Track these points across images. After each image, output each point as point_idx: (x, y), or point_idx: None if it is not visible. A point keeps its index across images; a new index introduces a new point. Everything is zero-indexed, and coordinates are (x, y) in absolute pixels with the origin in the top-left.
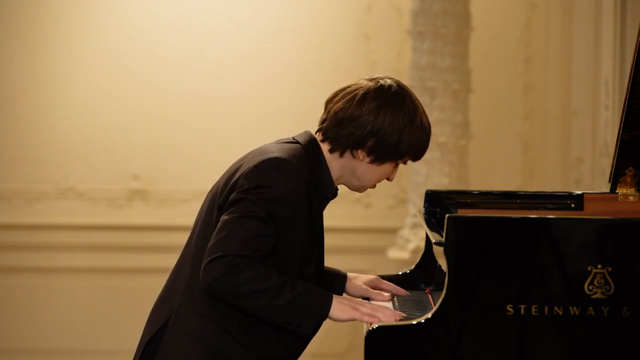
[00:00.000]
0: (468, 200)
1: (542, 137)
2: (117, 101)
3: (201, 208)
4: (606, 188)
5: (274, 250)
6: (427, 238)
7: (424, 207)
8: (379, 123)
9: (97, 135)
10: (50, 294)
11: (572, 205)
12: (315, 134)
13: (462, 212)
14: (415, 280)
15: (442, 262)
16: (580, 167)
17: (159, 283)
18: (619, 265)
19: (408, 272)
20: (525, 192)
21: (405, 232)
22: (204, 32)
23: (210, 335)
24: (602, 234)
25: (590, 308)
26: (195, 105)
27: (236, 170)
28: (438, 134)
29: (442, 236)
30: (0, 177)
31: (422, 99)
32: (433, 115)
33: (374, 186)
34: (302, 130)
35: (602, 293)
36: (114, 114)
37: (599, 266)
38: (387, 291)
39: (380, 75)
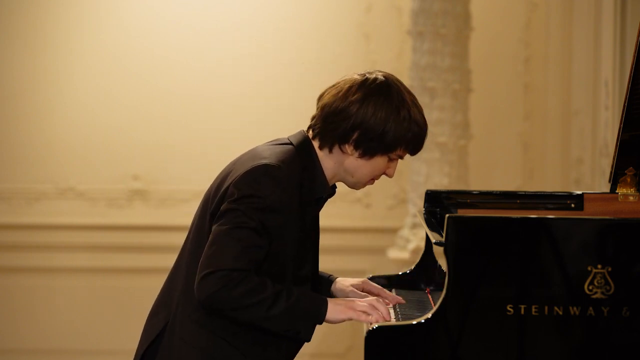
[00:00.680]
0: (468, 200)
1: (542, 137)
2: (117, 101)
3: (196, 212)
4: (606, 188)
5: (268, 257)
6: (427, 238)
7: (424, 207)
8: (361, 115)
9: (97, 135)
10: (50, 294)
11: (572, 205)
12: (307, 132)
13: (462, 212)
14: (415, 280)
15: (442, 262)
16: (580, 167)
17: (158, 283)
18: (619, 265)
19: (408, 272)
20: (525, 192)
21: (405, 232)
22: (204, 32)
23: (206, 343)
24: (602, 234)
25: (590, 308)
26: (195, 105)
27: (227, 176)
28: (438, 134)
29: (442, 236)
30: (0, 177)
31: (422, 99)
32: (433, 115)
33: (372, 182)
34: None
35: (602, 293)
36: (114, 114)
37: (599, 266)
38: (374, 294)
39: (372, 70)
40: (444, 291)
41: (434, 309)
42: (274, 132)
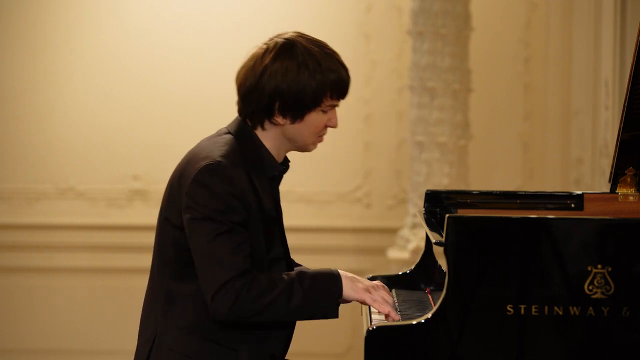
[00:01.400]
0: (468, 200)
1: (542, 137)
2: (117, 101)
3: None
4: (606, 188)
5: None
6: (427, 238)
7: (424, 207)
8: (272, 83)
9: (97, 135)
10: (50, 294)
11: (572, 205)
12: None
13: (462, 212)
14: (415, 280)
15: (442, 262)
16: (580, 167)
17: None
18: (619, 265)
19: (408, 272)
20: (525, 192)
21: (405, 232)
22: (204, 32)
23: (197, 348)
24: (602, 234)
25: (590, 308)
26: (195, 105)
27: (178, 181)
28: (438, 134)
29: (442, 236)
30: (0, 177)
31: (422, 99)
32: (433, 115)
33: (320, 138)
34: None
35: (602, 293)
36: (114, 114)
37: (599, 266)
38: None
39: (275, 35)
40: (444, 291)
41: (434, 309)
42: None
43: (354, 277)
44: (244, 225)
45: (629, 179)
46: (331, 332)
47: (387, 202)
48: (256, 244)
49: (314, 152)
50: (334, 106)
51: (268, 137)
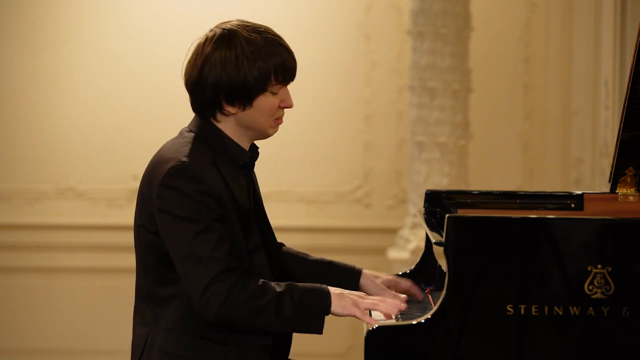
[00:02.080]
0: (468, 200)
1: (542, 137)
2: (117, 101)
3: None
4: (606, 188)
5: None
6: (427, 238)
7: (424, 207)
8: (214, 76)
9: (97, 135)
10: (50, 294)
11: (572, 205)
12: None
13: (462, 212)
14: (415, 280)
15: (442, 262)
16: (580, 167)
17: None
18: (619, 265)
19: (408, 272)
20: (525, 192)
21: (405, 232)
22: (204, 32)
23: (188, 348)
24: (602, 234)
25: (590, 308)
26: None
27: (148, 186)
28: (438, 134)
29: (442, 236)
30: (0, 177)
31: (422, 99)
32: (433, 115)
33: (278, 120)
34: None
35: (602, 293)
36: (114, 114)
37: (599, 266)
38: (404, 290)
39: (215, 26)
40: (444, 291)
41: (434, 309)
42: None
43: (341, 293)
44: (220, 221)
45: (629, 179)
46: (331, 332)
47: (387, 202)
48: (234, 236)
49: (314, 152)
50: (283, 85)
51: (226, 127)
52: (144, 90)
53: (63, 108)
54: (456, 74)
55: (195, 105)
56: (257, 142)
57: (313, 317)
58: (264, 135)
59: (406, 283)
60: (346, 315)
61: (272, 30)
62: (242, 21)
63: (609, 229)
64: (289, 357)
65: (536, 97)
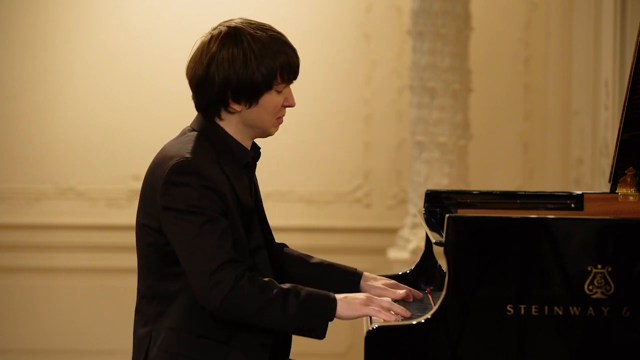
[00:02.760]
0: (468, 200)
1: (542, 137)
2: (117, 101)
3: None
4: (606, 188)
5: None
6: (427, 238)
7: (424, 207)
8: (221, 72)
9: (97, 135)
10: (50, 294)
11: (572, 205)
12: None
13: (462, 212)
14: (415, 280)
15: (442, 262)
16: (580, 167)
17: None
18: (619, 265)
19: (408, 272)
20: (525, 192)
21: (405, 232)
22: (204, 32)
23: (189, 347)
24: (602, 234)
25: (590, 308)
26: None
27: (150, 185)
28: (438, 134)
29: (442, 236)
30: (0, 177)
31: (422, 99)
32: (433, 115)
33: (280, 120)
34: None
35: (602, 293)
36: (114, 114)
37: (599, 266)
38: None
39: (218, 24)
40: (444, 291)
41: (434, 309)
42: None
43: (346, 297)
44: (224, 216)
45: (629, 179)
46: (331, 332)
47: (387, 202)
48: (236, 234)
49: (314, 152)
50: (287, 84)
51: (229, 125)
52: (144, 90)
53: (63, 108)
54: (456, 74)
55: (199, 103)
56: (258, 142)
57: (317, 320)
58: (266, 134)
59: (405, 288)
60: (358, 316)
61: (275, 29)
62: (246, 19)
63: (609, 229)
64: (289, 357)
65: (536, 97)
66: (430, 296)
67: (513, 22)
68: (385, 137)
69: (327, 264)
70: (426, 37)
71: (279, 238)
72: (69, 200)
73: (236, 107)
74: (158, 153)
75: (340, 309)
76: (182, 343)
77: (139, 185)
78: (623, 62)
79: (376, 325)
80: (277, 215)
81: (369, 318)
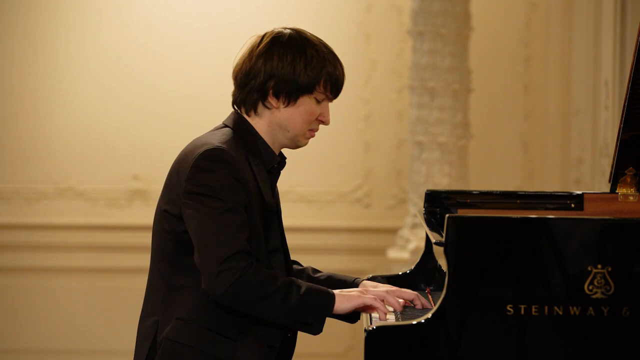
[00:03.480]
0: (468, 200)
1: (542, 137)
2: (117, 101)
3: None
4: (606, 188)
5: None
6: (427, 238)
7: (424, 207)
8: (269, 65)
9: (97, 135)
10: (50, 294)
11: (572, 205)
12: (238, 109)
13: (462, 212)
14: (415, 280)
15: (442, 262)
16: (580, 167)
17: None
18: (619, 265)
19: (408, 272)
20: (525, 192)
21: (405, 232)
22: (204, 32)
23: (197, 339)
24: (602, 234)
25: (590, 308)
26: (196, 104)
27: (177, 171)
28: (438, 134)
29: (442, 236)
30: (0, 177)
31: (422, 99)
32: (433, 115)
33: (312, 133)
34: None
35: (602, 293)
36: (114, 114)
37: (599, 266)
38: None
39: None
40: (444, 291)
41: (434, 309)
42: None
43: (342, 291)
44: (245, 208)
45: (629, 179)
46: (331, 332)
47: (387, 202)
48: (254, 230)
49: (314, 152)
50: (327, 99)
51: (262, 124)
52: (144, 90)
53: (63, 108)
54: (456, 74)
55: (239, 94)
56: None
57: (316, 313)
58: (294, 142)
59: (413, 293)
60: (356, 306)
61: (328, 45)
62: (299, 29)
63: (609, 229)
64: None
65: (536, 97)
66: (430, 296)
67: (513, 22)
68: (385, 137)
69: (328, 275)
70: (426, 37)
71: None
72: (69, 200)
73: (274, 102)
74: (188, 144)
75: (338, 303)
76: (190, 334)
77: (139, 185)
78: (623, 62)
79: (376, 326)
80: None
81: (368, 318)
